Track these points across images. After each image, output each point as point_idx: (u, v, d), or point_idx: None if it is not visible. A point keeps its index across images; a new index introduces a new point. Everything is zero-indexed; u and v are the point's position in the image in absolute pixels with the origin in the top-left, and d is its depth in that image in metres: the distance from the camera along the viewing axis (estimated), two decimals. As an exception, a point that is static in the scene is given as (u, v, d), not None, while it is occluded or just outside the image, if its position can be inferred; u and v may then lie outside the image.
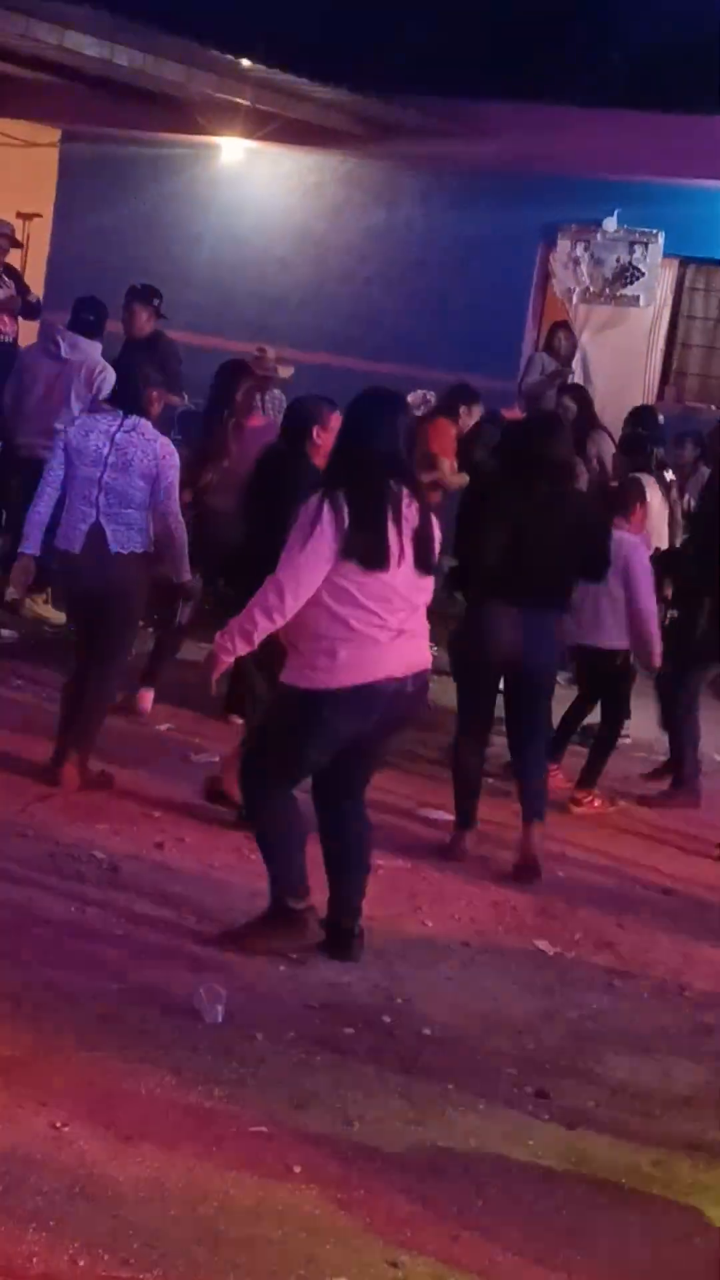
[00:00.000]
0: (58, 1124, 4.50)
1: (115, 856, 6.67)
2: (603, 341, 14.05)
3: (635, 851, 7.84)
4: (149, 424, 7.63)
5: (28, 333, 11.68)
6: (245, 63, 12.39)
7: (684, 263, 14.33)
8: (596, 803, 8.34)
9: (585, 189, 14.06)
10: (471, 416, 11.18)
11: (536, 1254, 4.28)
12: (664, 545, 9.75)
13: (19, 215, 14.76)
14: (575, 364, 13.96)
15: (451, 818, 7.60)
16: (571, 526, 7.26)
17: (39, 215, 15.34)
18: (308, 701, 5.78)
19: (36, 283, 14.35)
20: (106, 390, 9.99)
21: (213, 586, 9.73)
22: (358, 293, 15.03)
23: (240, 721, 8.18)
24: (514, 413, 10.47)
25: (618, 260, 14.07)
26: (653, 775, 8.97)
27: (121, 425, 7.54)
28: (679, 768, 8.78)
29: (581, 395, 12.10)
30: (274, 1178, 4.43)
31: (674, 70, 13.46)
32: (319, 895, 6.04)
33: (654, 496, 9.58)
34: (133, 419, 7.57)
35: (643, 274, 14.04)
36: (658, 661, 8.32)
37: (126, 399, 7.77)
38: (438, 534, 5.97)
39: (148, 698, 8.76)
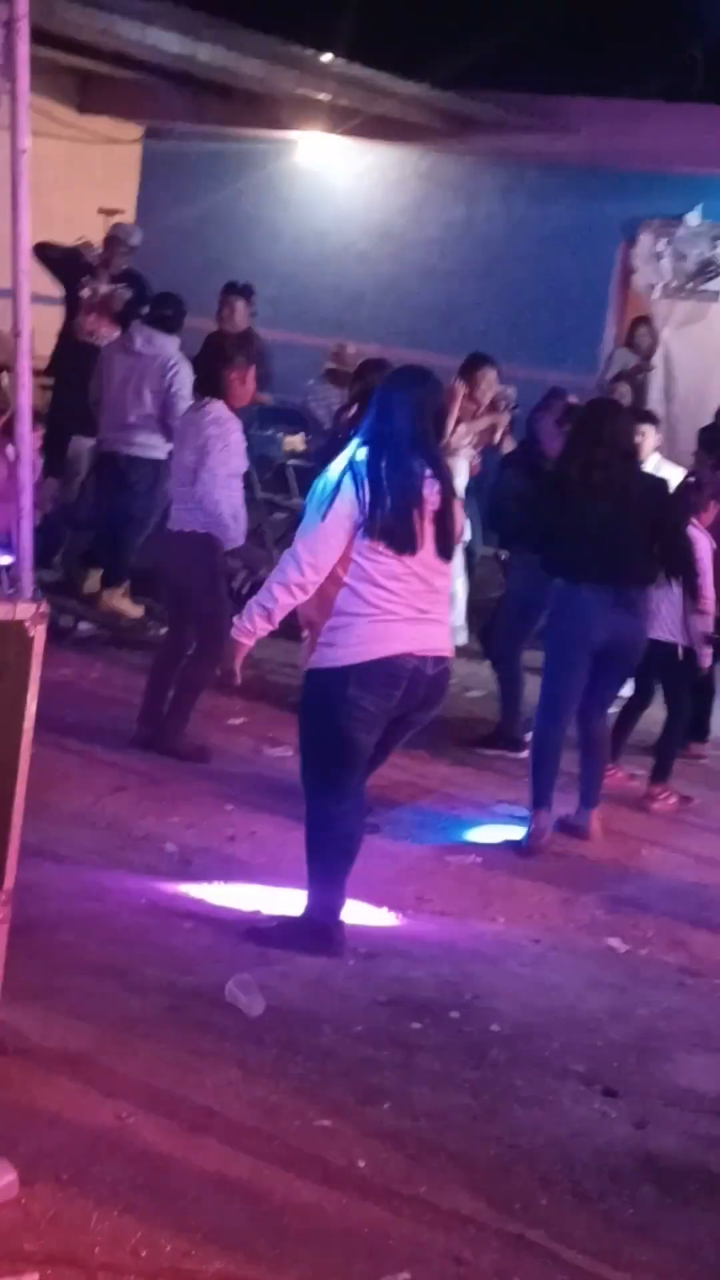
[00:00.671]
0: (123, 1115, 4.51)
1: (187, 849, 6.69)
2: (685, 336, 13.96)
3: (711, 849, 7.77)
4: (219, 404, 7.73)
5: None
6: (326, 58, 12.40)
7: (767, 256, 14.22)
8: (672, 799, 8.28)
9: (667, 183, 14.00)
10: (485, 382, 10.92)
11: (601, 1252, 4.25)
12: None
13: (101, 211, 14.88)
14: (657, 359, 13.88)
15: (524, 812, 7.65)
16: (640, 508, 7.36)
17: (121, 211, 15.40)
18: (332, 682, 5.71)
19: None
20: (179, 385, 10.04)
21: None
22: (437, 288, 15.02)
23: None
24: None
25: (700, 255, 13.98)
26: None
27: (198, 408, 7.78)
28: None
29: (637, 386, 12.08)
30: (338, 1172, 4.42)
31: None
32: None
33: None
34: (206, 400, 7.77)
35: (725, 268, 13.96)
36: (705, 661, 8.30)
37: (200, 382, 7.95)
38: (462, 519, 5.96)
39: None
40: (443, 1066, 5.15)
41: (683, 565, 7.87)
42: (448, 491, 5.84)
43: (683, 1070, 5.40)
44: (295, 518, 8.08)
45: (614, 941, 6.44)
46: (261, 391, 10.41)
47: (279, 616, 5.76)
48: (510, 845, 7.30)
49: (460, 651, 8.00)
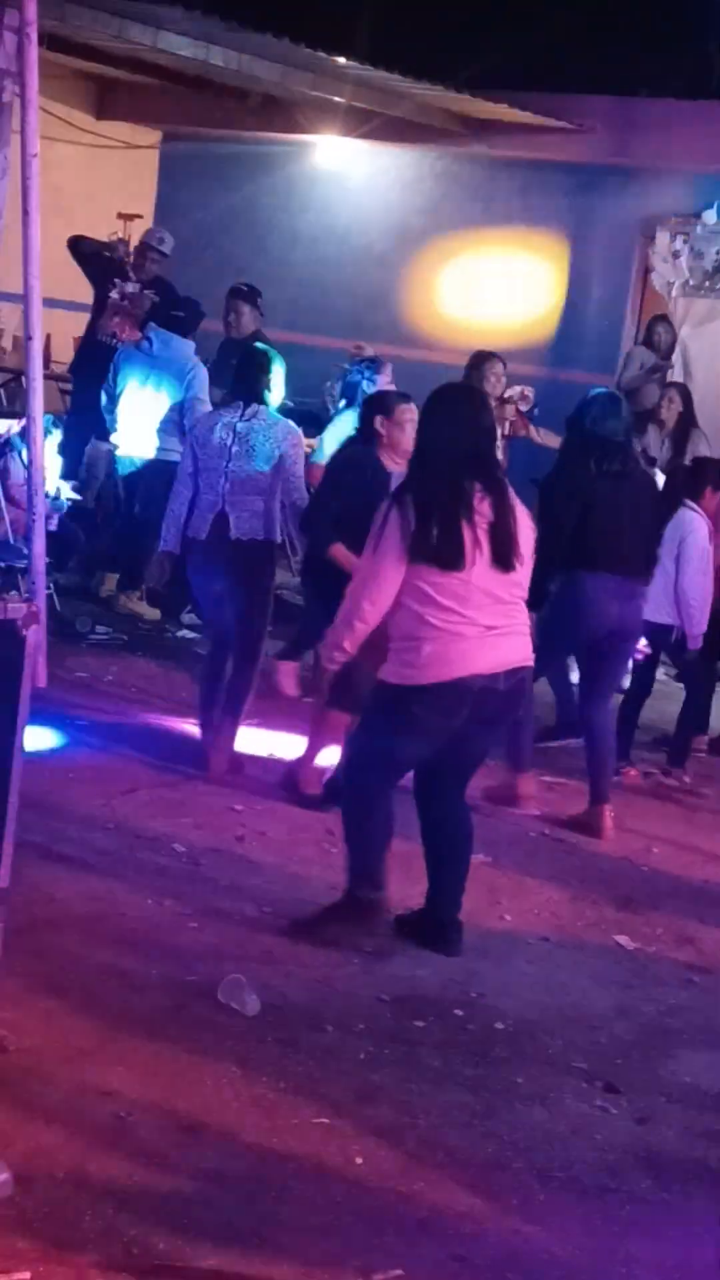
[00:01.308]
0: (121, 1113, 4.52)
1: (196, 850, 6.70)
2: (702, 335, 13.90)
3: (722, 847, 7.78)
4: (268, 409, 7.77)
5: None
6: (341, 61, 12.41)
7: (785, 254, 14.16)
8: (686, 778, 8.38)
9: (684, 181, 13.97)
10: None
11: (598, 1249, 4.25)
12: None
13: (120, 216, 14.88)
14: (675, 358, 13.83)
15: (536, 813, 7.68)
16: (643, 500, 7.67)
17: (139, 216, 15.41)
18: (399, 697, 5.79)
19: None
20: (196, 388, 10.08)
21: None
22: (456, 289, 15.01)
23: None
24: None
25: (718, 253, 13.92)
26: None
27: (242, 414, 7.73)
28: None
29: (685, 393, 12.05)
30: (335, 1169, 4.42)
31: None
32: (408, 889, 6.04)
33: None
34: (253, 407, 7.74)
35: (744, 266, 13.91)
36: (694, 644, 8.38)
37: (243, 389, 7.89)
38: (529, 527, 5.94)
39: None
40: (444, 1064, 5.15)
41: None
42: (503, 504, 5.81)
43: (686, 1067, 5.39)
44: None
45: (622, 938, 6.44)
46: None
47: (353, 646, 5.88)
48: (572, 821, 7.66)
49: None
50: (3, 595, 4.37)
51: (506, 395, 10.83)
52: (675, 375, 13.53)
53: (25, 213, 8.52)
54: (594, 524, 7.46)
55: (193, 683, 8.81)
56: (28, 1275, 3.78)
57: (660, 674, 9.87)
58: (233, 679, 7.82)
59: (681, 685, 9.46)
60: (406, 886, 6.22)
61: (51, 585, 9.69)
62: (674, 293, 14.08)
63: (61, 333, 13.26)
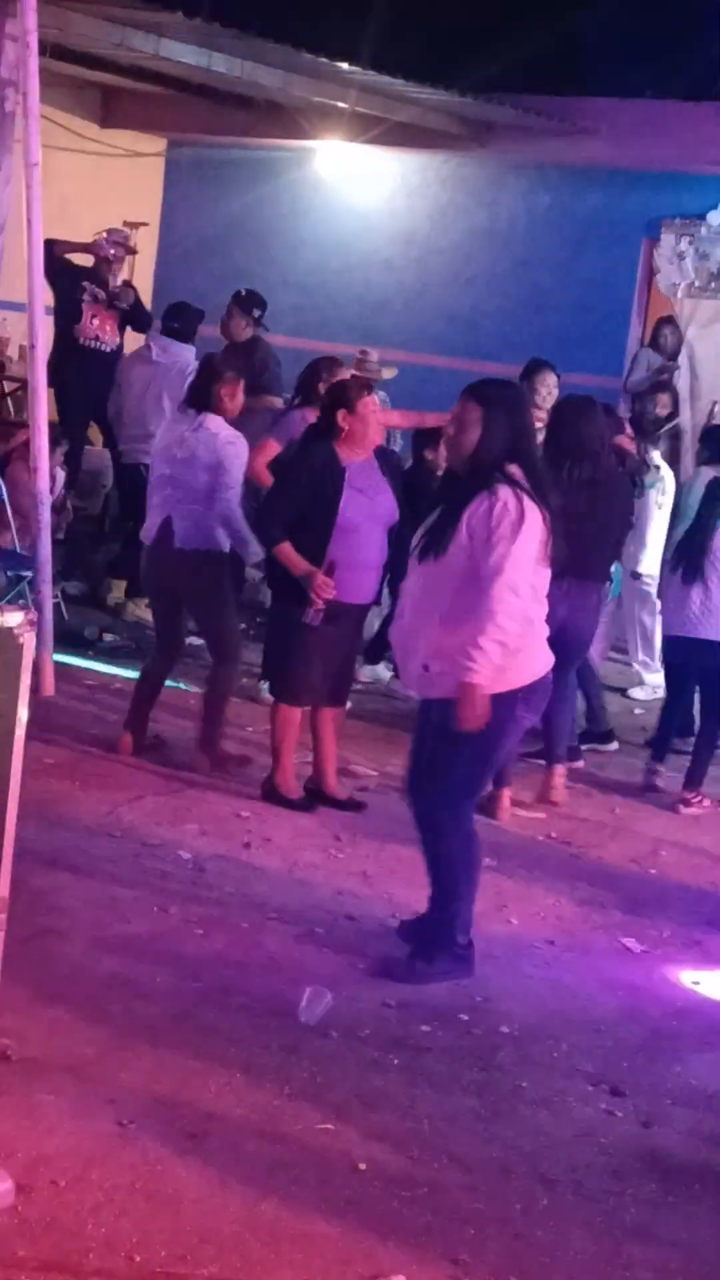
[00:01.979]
0: (124, 1121, 4.51)
1: (201, 857, 6.70)
2: (708, 336, 13.87)
3: (731, 849, 7.76)
4: (217, 418, 7.74)
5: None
6: (345, 66, 12.39)
7: (790, 255, 14.15)
8: (706, 802, 8.26)
9: (688, 183, 13.94)
10: None
11: (601, 1253, 4.24)
12: None
13: (126, 224, 14.91)
14: (681, 359, 13.81)
15: (541, 816, 7.70)
16: (614, 507, 7.92)
17: (145, 224, 15.45)
18: (503, 704, 5.63)
19: (144, 290, 14.48)
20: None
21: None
22: (462, 293, 15.00)
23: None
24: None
25: (723, 254, 13.92)
26: None
27: (192, 423, 7.74)
28: None
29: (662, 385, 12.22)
30: (338, 1175, 4.41)
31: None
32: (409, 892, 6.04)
33: None
34: (202, 415, 7.73)
35: (749, 267, 13.89)
36: None
37: (193, 396, 7.92)
38: None
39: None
40: (449, 1069, 5.14)
41: None
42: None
43: (692, 1070, 5.38)
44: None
45: (629, 942, 6.42)
46: (273, 395, 10.43)
47: (512, 646, 5.61)
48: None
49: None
50: (3, 604, 4.36)
51: None
52: (682, 377, 13.53)
53: (28, 222, 8.57)
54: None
55: (200, 689, 8.87)
56: (29, 1284, 3.78)
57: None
58: (213, 677, 7.97)
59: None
60: (412, 892, 6.22)
61: (59, 593, 9.71)
62: (679, 294, 14.06)
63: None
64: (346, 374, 9.00)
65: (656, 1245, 4.31)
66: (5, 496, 9.86)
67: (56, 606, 9.32)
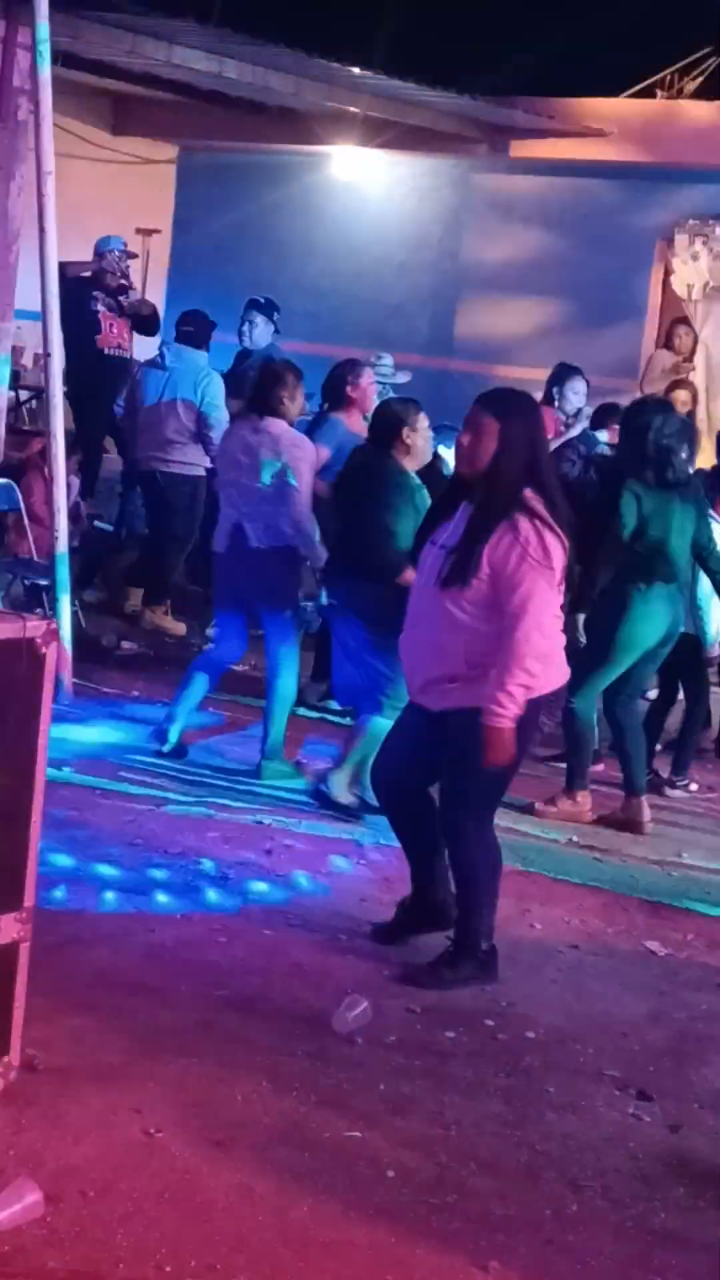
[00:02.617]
0: (151, 1130, 4.50)
1: (224, 864, 6.69)
2: (724, 336, 13.90)
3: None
4: (280, 422, 7.80)
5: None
6: (356, 71, 12.41)
7: None
8: (693, 786, 8.37)
9: (702, 184, 13.94)
10: None
11: (630, 1257, 4.22)
12: None
13: (139, 231, 14.95)
14: (697, 360, 13.81)
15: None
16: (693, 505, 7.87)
17: (158, 231, 15.48)
18: (529, 713, 5.63)
19: (157, 297, 14.50)
20: (212, 396, 10.11)
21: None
22: (475, 296, 15.00)
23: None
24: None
25: (737, 254, 13.92)
26: None
27: (254, 426, 7.80)
28: None
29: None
30: (366, 1182, 4.40)
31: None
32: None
33: None
34: (264, 419, 7.79)
35: (763, 266, 13.89)
36: (712, 652, 8.41)
37: (255, 401, 7.96)
38: None
39: None
40: (475, 1074, 5.13)
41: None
42: None
43: (719, 1072, 5.36)
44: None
45: (653, 944, 6.41)
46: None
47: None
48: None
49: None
50: (24, 614, 4.36)
51: None
52: (698, 378, 13.52)
53: (41, 230, 8.58)
54: (659, 535, 7.59)
55: (217, 695, 8.90)
56: (59, 1295, 3.77)
57: None
58: (276, 683, 7.97)
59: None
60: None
61: (77, 602, 9.72)
62: (694, 295, 14.07)
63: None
64: (370, 375, 9.03)
65: (686, 1250, 4.29)
66: (22, 506, 9.87)
67: (74, 615, 9.32)
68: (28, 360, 13.98)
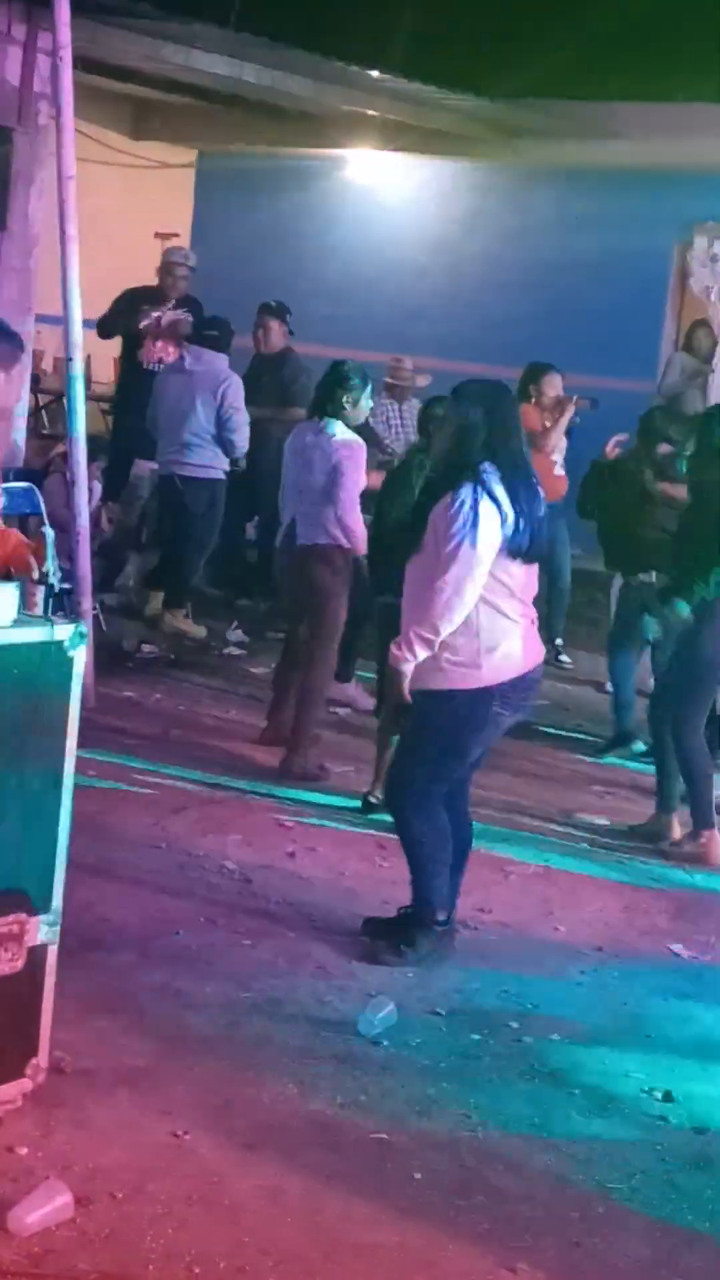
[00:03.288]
0: (179, 1132, 4.51)
1: (247, 867, 6.70)
2: (743, 338, 13.85)
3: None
4: (338, 423, 7.97)
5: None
6: (374, 74, 12.41)
7: None
8: None
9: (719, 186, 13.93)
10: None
11: (657, 1259, 4.23)
12: None
13: (157, 235, 14.98)
14: (716, 362, 13.78)
15: (603, 821, 7.70)
16: None
17: (176, 235, 15.50)
18: (476, 700, 5.73)
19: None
20: (232, 398, 10.13)
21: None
22: (494, 299, 15.01)
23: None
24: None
25: (756, 256, 13.89)
26: None
27: (316, 428, 8.04)
28: None
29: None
30: (394, 1184, 4.41)
31: None
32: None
33: None
34: (323, 421, 8.02)
35: (782, 268, 13.86)
36: None
37: (314, 403, 8.20)
38: None
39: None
40: (500, 1077, 5.14)
41: None
42: (535, 497, 5.86)
43: (745, 1074, 5.36)
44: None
45: (677, 946, 6.41)
46: (300, 406, 10.44)
47: (436, 646, 5.70)
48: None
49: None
50: (50, 617, 4.38)
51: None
52: (717, 380, 13.49)
53: (63, 235, 8.60)
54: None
55: (238, 699, 9.06)
56: (90, 1296, 3.79)
57: None
58: (301, 682, 8.18)
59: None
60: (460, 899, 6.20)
61: (98, 605, 9.73)
62: (713, 297, 14.03)
63: (101, 353, 13.30)
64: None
65: (713, 1252, 4.30)
66: (44, 510, 9.86)
67: (95, 618, 9.34)
68: (48, 365, 14.01)
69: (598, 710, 9.80)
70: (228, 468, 10.46)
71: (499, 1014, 5.59)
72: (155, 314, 11.47)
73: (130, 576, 11.22)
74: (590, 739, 9.29)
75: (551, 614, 10.60)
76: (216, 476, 10.43)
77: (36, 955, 4.35)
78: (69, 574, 8.90)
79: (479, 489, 5.65)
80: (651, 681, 8.63)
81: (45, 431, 13.54)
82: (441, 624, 5.64)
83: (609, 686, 9.47)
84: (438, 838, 5.94)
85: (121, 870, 6.45)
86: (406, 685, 5.78)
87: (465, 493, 5.64)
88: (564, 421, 10.64)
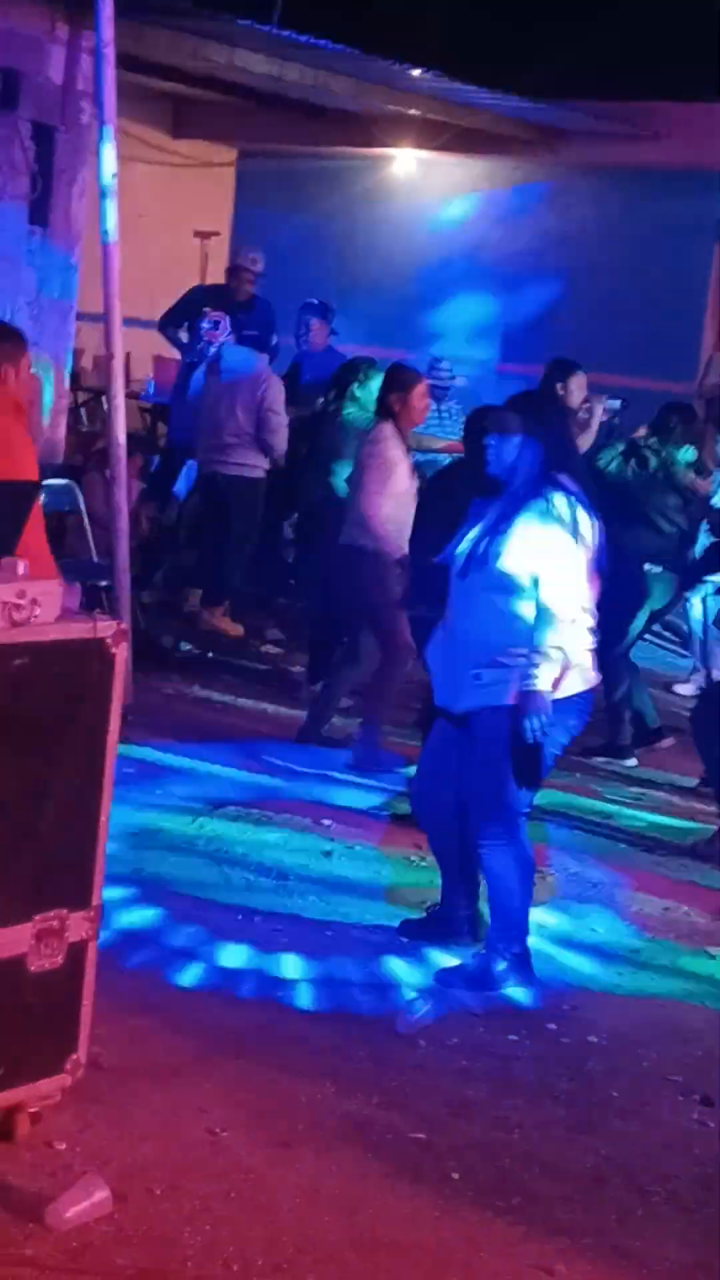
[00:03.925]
0: (216, 1130, 4.52)
1: (285, 865, 6.71)
2: (784, 338, 13.84)
3: None
4: (387, 426, 8.11)
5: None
6: (415, 73, 12.41)
7: None
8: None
9: (759, 185, 13.90)
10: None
11: (696, 1263, 4.21)
12: None
13: (197, 234, 14.98)
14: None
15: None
16: None
17: (217, 233, 15.50)
18: (561, 712, 5.65)
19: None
20: (271, 400, 10.12)
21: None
22: (533, 298, 14.99)
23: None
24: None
25: None
26: None
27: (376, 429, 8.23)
28: None
29: None
30: (431, 1184, 4.41)
31: None
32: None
33: None
34: (379, 420, 8.24)
35: None
36: None
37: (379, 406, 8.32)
38: None
39: None
40: (538, 1078, 5.12)
41: None
42: None
43: (783, 1078, 5.34)
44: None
45: (715, 949, 6.38)
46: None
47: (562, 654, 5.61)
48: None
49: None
50: (91, 614, 4.38)
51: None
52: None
53: (104, 233, 8.61)
54: None
55: (275, 698, 9.12)
56: (127, 1292, 3.79)
57: None
58: (375, 679, 8.32)
59: None
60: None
61: (136, 602, 9.75)
62: (754, 296, 14.03)
63: (141, 351, 13.32)
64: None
65: (752, 1256, 4.28)
66: (83, 506, 9.90)
67: (133, 615, 9.35)
68: (87, 362, 14.02)
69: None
70: (268, 467, 10.46)
71: (537, 1015, 5.58)
72: (212, 316, 11.50)
73: (165, 574, 11.24)
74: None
75: None
76: (257, 475, 10.43)
77: (76, 951, 4.35)
78: (108, 570, 8.97)
79: (572, 500, 5.61)
80: None
81: (84, 428, 13.56)
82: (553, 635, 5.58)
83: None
84: (524, 872, 5.81)
85: (160, 868, 6.46)
86: (546, 704, 5.61)
87: (559, 502, 5.59)
88: (595, 424, 10.58)
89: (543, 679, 5.55)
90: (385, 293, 15.31)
